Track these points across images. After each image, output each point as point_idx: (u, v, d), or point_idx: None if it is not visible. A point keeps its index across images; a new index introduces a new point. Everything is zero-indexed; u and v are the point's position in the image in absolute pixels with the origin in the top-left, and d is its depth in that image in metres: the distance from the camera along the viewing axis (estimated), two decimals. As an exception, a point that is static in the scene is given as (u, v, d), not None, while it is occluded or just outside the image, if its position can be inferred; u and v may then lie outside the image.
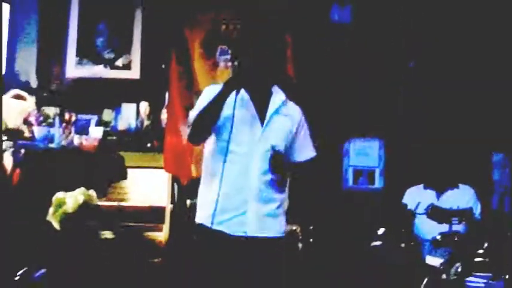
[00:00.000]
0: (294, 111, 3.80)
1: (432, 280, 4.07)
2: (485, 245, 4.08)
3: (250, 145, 3.61)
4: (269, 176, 3.60)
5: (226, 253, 3.58)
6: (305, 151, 3.80)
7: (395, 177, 6.19)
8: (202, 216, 3.68)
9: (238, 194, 3.59)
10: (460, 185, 5.20)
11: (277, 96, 3.75)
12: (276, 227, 3.67)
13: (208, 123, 3.58)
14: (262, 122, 3.66)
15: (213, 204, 3.58)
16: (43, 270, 4.47)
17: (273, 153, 3.57)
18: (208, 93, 3.70)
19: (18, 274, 4.13)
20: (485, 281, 3.84)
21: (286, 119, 3.72)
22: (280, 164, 3.59)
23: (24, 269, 4.20)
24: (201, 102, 3.68)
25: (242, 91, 3.61)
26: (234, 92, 3.56)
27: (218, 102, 3.52)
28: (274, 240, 3.65)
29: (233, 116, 3.56)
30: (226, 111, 3.58)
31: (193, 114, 3.69)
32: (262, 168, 3.59)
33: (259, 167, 3.59)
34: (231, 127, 3.58)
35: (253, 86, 3.68)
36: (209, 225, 3.59)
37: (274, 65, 3.78)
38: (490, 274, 3.85)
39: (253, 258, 3.58)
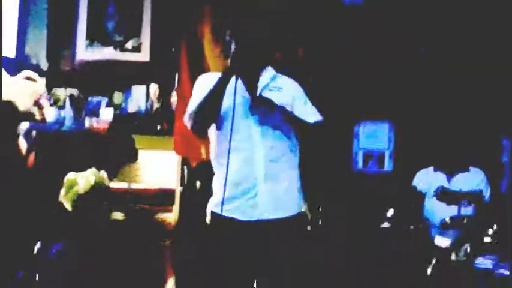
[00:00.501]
0: (286, 84, 3.73)
1: (440, 261, 4.09)
2: (494, 227, 4.09)
3: (249, 129, 3.58)
4: (274, 155, 3.57)
5: (239, 239, 3.58)
6: (308, 116, 3.66)
7: (405, 160, 6.20)
8: (212, 203, 3.69)
9: (246, 179, 3.57)
10: (471, 168, 5.20)
11: (266, 74, 3.70)
12: (291, 206, 3.63)
13: (211, 113, 3.58)
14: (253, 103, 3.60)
15: (222, 192, 3.58)
16: (60, 245, 4.53)
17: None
18: (203, 81, 3.73)
19: (36, 247, 4.17)
20: (493, 262, 3.86)
21: (278, 93, 3.63)
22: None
23: (41, 243, 4.23)
24: (197, 92, 3.70)
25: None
26: (233, 79, 3.58)
27: (218, 91, 3.52)
28: (290, 219, 3.61)
29: (234, 103, 3.55)
30: (225, 99, 3.58)
31: (191, 104, 3.69)
32: (262, 148, 3.56)
33: (260, 147, 3.56)
34: (233, 115, 3.55)
35: (244, 70, 3.61)
36: (219, 212, 3.60)
37: (263, 45, 3.70)
38: (497, 255, 3.87)
39: (269, 241, 3.56)
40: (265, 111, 3.58)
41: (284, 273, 3.60)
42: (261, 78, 3.65)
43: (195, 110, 3.59)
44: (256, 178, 3.56)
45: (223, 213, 3.59)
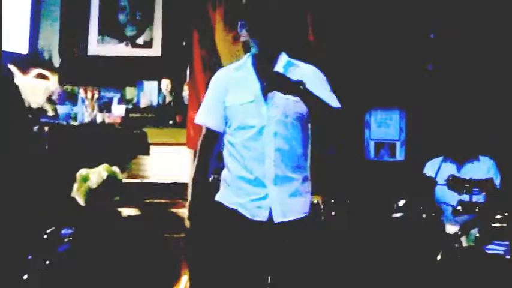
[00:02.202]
0: (303, 75, 3.50)
1: (450, 247, 4.08)
2: (505, 214, 4.08)
3: (260, 126, 3.48)
4: (284, 155, 3.48)
5: (246, 235, 3.52)
6: (330, 101, 3.49)
7: (416, 149, 6.19)
8: (220, 195, 3.64)
9: (256, 179, 3.49)
10: (480, 157, 5.19)
11: (279, 64, 3.56)
12: (300, 208, 3.56)
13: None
14: (266, 100, 3.49)
15: (232, 187, 3.57)
16: (71, 230, 4.57)
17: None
18: (215, 81, 3.70)
19: (46, 232, 4.20)
20: (504, 248, 3.85)
21: (295, 72, 3.49)
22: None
23: (52, 228, 4.27)
24: (210, 92, 3.70)
25: (245, 64, 3.61)
26: (235, 67, 3.63)
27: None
28: (299, 221, 3.54)
29: (235, 98, 3.55)
30: (229, 92, 3.58)
31: (203, 104, 3.72)
32: (274, 147, 3.46)
33: (272, 147, 3.47)
34: (236, 111, 3.54)
35: (259, 62, 3.58)
36: (226, 204, 3.57)
37: (276, 35, 3.56)
38: (508, 242, 3.86)
39: (278, 242, 3.48)
40: (280, 103, 3.48)
41: (296, 270, 3.53)
42: (276, 65, 3.55)
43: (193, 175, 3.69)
44: (266, 180, 3.49)
45: (230, 206, 3.56)
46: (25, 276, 3.71)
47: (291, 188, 3.51)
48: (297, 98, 3.39)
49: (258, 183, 3.50)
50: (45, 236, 4.16)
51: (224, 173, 3.67)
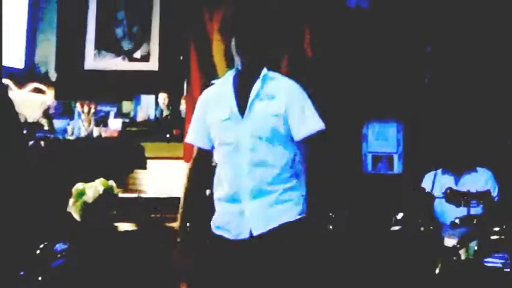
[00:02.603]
0: (280, 89, 3.55)
1: (448, 260, 4.06)
2: (504, 226, 4.06)
3: (236, 142, 3.49)
4: (261, 169, 3.45)
5: (233, 259, 3.50)
6: (307, 125, 3.52)
7: (414, 162, 6.18)
8: (212, 219, 3.64)
9: (233, 195, 3.49)
10: (478, 168, 5.18)
11: (259, 80, 3.54)
12: (284, 215, 3.48)
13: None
14: (242, 115, 3.50)
15: (217, 207, 3.60)
16: (65, 246, 4.55)
17: None
18: (202, 100, 3.74)
19: (39, 247, 4.17)
20: (502, 261, 3.83)
21: (269, 102, 3.50)
22: None
23: (46, 243, 4.24)
24: (197, 111, 3.75)
25: (226, 82, 3.62)
26: (217, 86, 3.66)
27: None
28: (285, 227, 3.47)
29: (214, 116, 3.59)
30: (208, 111, 3.63)
31: (191, 124, 3.79)
32: (250, 162, 3.45)
33: (247, 162, 3.45)
34: (216, 129, 3.58)
35: (241, 77, 3.61)
36: (213, 230, 3.59)
37: (258, 49, 3.57)
38: (507, 254, 3.84)
39: (264, 254, 3.43)
40: (257, 121, 3.49)
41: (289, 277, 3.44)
42: (255, 85, 3.53)
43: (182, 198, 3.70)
44: (242, 194, 3.47)
45: (215, 231, 3.57)
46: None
47: (269, 199, 3.47)
48: (275, 113, 3.47)
49: (234, 200, 3.49)
50: (38, 251, 4.13)
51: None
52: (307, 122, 3.52)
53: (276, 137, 3.49)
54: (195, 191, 3.72)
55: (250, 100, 3.49)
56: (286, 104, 3.50)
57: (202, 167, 3.74)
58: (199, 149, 3.74)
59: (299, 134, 3.52)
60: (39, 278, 4.04)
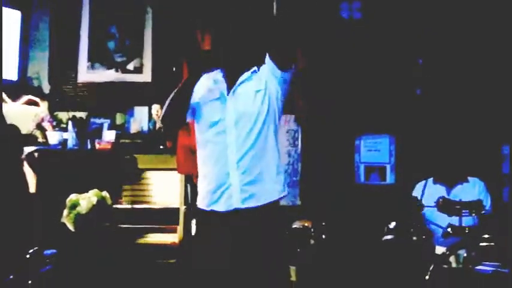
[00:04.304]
0: (262, 68, 3.80)
1: (438, 267, 4.08)
2: (493, 235, 4.09)
3: (222, 122, 3.66)
4: (245, 147, 3.63)
5: (222, 230, 3.62)
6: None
7: (406, 173, 6.22)
8: (199, 200, 3.76)
9: (222, 170, 3.63)
10: (470, 178, 5.20)
11: (249, 71, 3.79)
12: (265, 194, 3.65)
13: (179, 104, 3.65)
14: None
15: (206, 186, 3.69)
16: (54, 251, 4.57)
17: None
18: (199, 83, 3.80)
19: (29, 252, 4.19)
20: (493, 269, 3.85)
21: (251, 82, 3.75)
22: None
23: (35, 248, 4.26)
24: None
25: (217, 74, 3.76)
26: (208, 76, 3.74)
27: (186, 85, 3.63)
28: (262, 208, 3.64)
29: (205, 100, 3.73)
30: (200, 95, 3.74)
31: None
32: (236, 140, 3.63)
33: (234, 140, 3.63)
34: (205, 111, 3.72)
35: (230, 67, 3.76)
36: (204, 207, 3.69)
37: (250, 46, 3.82)
38: (498, 263, 3.87)
39: (247, 231, 3.59)
40: (239, 104, 3.69)
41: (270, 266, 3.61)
42: (244, 74, 3.77)
43: (167, 101, 3.67)
44: (229, 169, 3.61)
45: (208, 207, 3.67)
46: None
47: (253, 174, 3.63)
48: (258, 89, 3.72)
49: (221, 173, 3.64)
50: (27, 256, 4.15)
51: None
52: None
53: (262, 113, 3.70)
54: None
55: (238, 82, 3.73)
56: (266, 79, 3.75)
57: None
58: None
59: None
60: (29, 282, 4.06)
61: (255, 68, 3.82)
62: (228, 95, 3.70)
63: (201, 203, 3.72)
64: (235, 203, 3.60)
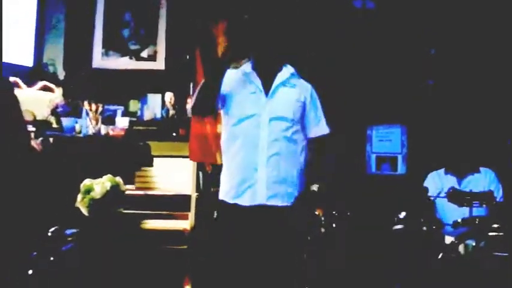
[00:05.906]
0: (303, 84, 3.88)
1: (446, 256, 4.11)
2: (504, 225, 4.10)
3: (257, 117, 3.70)
4: (277, 146, 3.67)
5: (244, 224, 3.67)
6: (317, 127, 3.88)
7: (418, 163, 6.23)
8: (222, 193, 3.79)
9: (250, 165, 3.67)
10: (481, 169, 5.20)
11: (286, 70, 3.84)
12: (286, 196, 3.71)
13: (208, 95, 3.68)
14: (267, 94, 3.75)
15: (231, 179, 3.73)
16: (75, 230, 4.63)
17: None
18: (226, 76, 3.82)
19: (50, 231, 4.26)
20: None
21: (293, 89, 3.81)
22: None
23: (56, 227, 4.32)
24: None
25: (248, 67, 3.81)
26: (241, 69, 3.80)
27: (215, 76, 3.67)
28: (284, 209, 3.69)
29: (238, 92, 3.76)
30: (231, 88, 3.77)
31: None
32: (269, 137, 3.68)
33: (267, 136, 3.67)
34: (238, 103, 3.75)
35: (262, 62, 3.81)
36: (228, 200, 3.72)
37: (283, 42, 3.87)
38: (506, 253, 3.89)
39: (268, 227, 3.64)
40: (277, 104, 3.73)
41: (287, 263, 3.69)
42: (280, 73, 3.81)
43: (197, 91, 3.73)
44: (258, 165, 3.66)
45: (231, 201, 3.71)
46: (30, 272, 3.77)
47: (280, 174, 3.69)
48: (297, 98, 3.81)
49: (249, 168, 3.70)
50: (49, 234, 4.22)
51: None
52: (320, 124, 3.90)
53: (293, 120, 3.77)
54: None
55: (276, 84, 3.78)
56: (305, 95, 3.85)
57: None
58: None
59: (311, 133, 3.87)
60: (51, 259, 4.13)
61: (292, 70, 3.87)
62: (265, 92, 3.74)
63: (225, 195, 3.76)
64: (260, 198, 3.65)
